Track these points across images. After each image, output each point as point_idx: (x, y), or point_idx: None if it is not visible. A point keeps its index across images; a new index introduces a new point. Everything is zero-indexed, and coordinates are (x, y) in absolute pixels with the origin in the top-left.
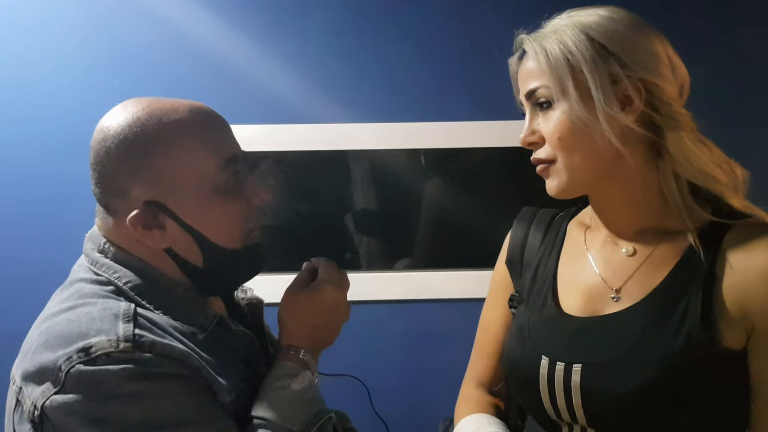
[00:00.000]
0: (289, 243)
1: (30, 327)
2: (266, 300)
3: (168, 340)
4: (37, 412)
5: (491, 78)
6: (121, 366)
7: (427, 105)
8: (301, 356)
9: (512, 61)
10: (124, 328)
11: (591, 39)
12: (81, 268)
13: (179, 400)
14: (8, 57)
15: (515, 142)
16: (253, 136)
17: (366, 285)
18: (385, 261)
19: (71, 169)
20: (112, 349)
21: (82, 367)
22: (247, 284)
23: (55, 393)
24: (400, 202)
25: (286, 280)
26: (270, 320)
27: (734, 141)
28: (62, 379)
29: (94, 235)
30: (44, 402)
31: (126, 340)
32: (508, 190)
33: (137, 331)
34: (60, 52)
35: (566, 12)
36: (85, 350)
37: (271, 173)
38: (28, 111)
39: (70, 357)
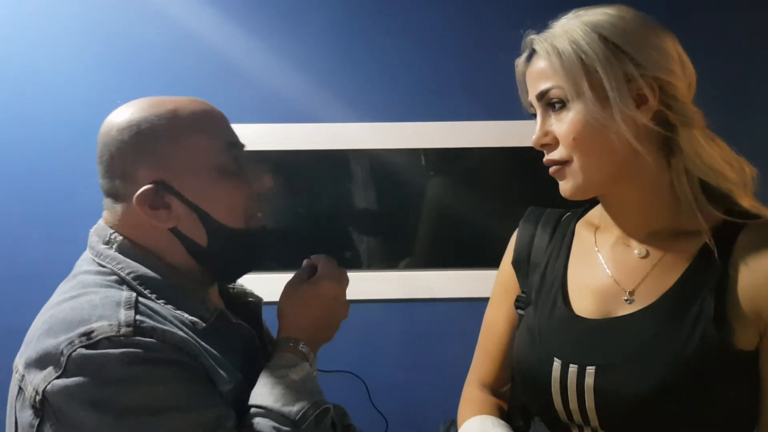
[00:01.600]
0: (290, 242)
1: (30, 325)
2: (266, 299)
3: (168, 327)
4: (38, 397)
5: (493, 78)
6: (122, 350)
7: (429, 105)
8: (300, 348)
9: (519, 62)
10: (125, 314)
11: (604, 38)
12: (85, 261)
13: (179, 385)
14: (8, 54)
15: (516, 141)
16: (253, 135)
17: (367, 284)
18: (386, 260)
19: (71, 167)
20: (113, 334)
21: (83, 350)
22: (248, 284)
23: (57, 377)
24: (401, 202)
25: (286, 278)
26: (270, 319)
27: (736, 139)
28: (64, 363)
29: (100, 228)
30: (46, 386)
31: (127, 325)
32: (509, 189)
33: (138, 317)
34: (60, 50)
35: (573, 12)
36: (87, 334)
37: (272, 171)
38: (27, 109)
39: (72, 341)
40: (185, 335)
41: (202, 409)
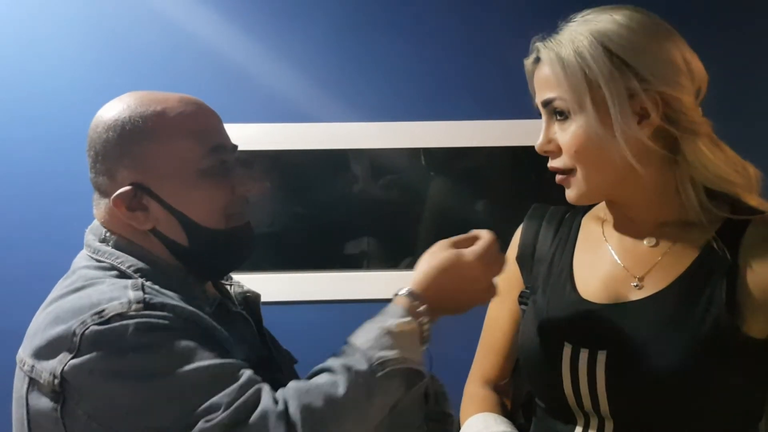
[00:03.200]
0: (289, 242)
1: (27, 326)
2: (264, 299)
3: (177, 302)
4: (57, 381)
5: (493, 77)
6: (136, 320)
7: (429, 104)
8: (415, 303)
9: (527, 62)
10: (134, 294)
11: (609, 51)
12: (82, 258)
13: (195, 344)
14: (9, 55)
15: (517, 141)
16: (254, 135)
17: (368, 284)
18: (387, 260)
19: (71, 168)
20: (124, 311)
21: (96, 327)
22: (247, 283)
23: (73, 357)
24: (402, 201)
25: (286, 278)
26: (269, 319)
27: (737, 140)
28: (78, 343)
29: (95, 227)
30: (63, 368)
31: (137, 302)
32: (510, 188)
33: (147, 296)
34: (61, 51)
35: (581, 14)
36: (99, 313)
37: (268, 171)
38: (27, 109)
39: (84, 321)
40: (194, 310)
41: (222, 359)
